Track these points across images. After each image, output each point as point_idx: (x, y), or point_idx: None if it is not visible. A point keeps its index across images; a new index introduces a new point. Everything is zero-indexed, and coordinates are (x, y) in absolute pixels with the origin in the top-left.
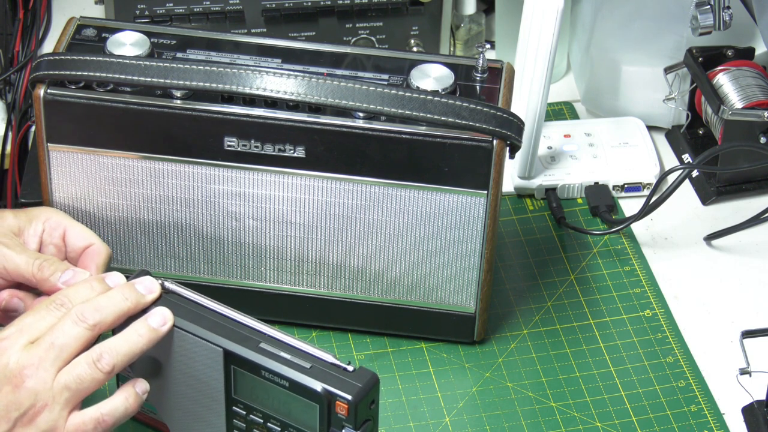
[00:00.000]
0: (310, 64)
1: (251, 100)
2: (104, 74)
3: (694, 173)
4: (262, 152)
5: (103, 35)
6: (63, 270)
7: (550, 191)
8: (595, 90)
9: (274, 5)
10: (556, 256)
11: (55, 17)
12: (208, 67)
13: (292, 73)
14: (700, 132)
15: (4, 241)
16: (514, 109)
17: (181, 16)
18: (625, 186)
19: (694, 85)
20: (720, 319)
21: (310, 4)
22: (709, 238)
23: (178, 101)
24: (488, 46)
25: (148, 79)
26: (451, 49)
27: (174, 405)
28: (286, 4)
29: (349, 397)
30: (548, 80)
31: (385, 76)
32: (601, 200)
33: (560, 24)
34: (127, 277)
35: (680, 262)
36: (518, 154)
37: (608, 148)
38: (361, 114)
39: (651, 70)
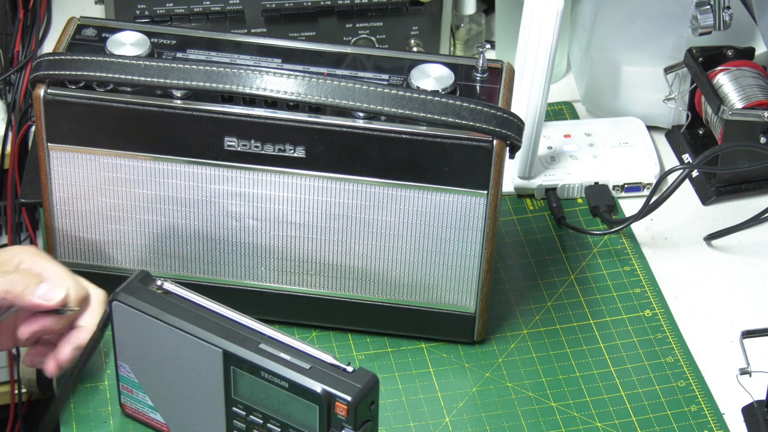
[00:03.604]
0: (310, 64)
1: (251, 100)
2: (104, 74)
3: (694, 173)
4: (262, 152)
5: (103, 35)
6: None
7: (550, 191)
8: (595, 90)
9: (274, 5)
10: (556, 256)
11: (55, 17)
12: (208, 67)
13: (292, 73)
14: (700, 132)
15: None
16: (514, 109)
17: (181, 16)
18: (625, 186)
19: (694, 85)
20: (720, 319)
21: (310, 4)
22: (709, 238)
23: (178, 101)
24: (488, 46)
25: (148, 79)
26: (451, 49)
27: (174, 405)
28: (286, 4)
29: (349, 398)
30: (548, 80)
31: (385, 76)
32: (601, 200)
33: (560, 24)
34: (127, 277)
35: (680, 262)
36: (518, 154)
37: (608, 148)
38: (361, 114)
39: (651, 70)
